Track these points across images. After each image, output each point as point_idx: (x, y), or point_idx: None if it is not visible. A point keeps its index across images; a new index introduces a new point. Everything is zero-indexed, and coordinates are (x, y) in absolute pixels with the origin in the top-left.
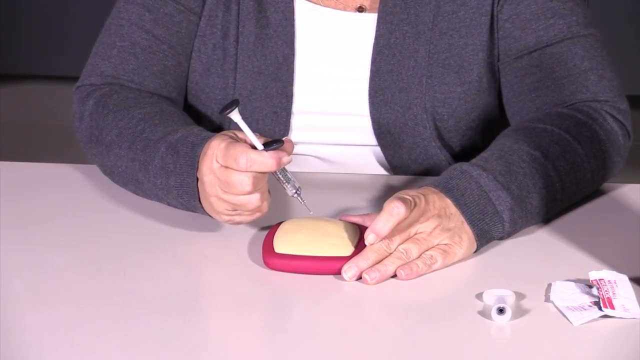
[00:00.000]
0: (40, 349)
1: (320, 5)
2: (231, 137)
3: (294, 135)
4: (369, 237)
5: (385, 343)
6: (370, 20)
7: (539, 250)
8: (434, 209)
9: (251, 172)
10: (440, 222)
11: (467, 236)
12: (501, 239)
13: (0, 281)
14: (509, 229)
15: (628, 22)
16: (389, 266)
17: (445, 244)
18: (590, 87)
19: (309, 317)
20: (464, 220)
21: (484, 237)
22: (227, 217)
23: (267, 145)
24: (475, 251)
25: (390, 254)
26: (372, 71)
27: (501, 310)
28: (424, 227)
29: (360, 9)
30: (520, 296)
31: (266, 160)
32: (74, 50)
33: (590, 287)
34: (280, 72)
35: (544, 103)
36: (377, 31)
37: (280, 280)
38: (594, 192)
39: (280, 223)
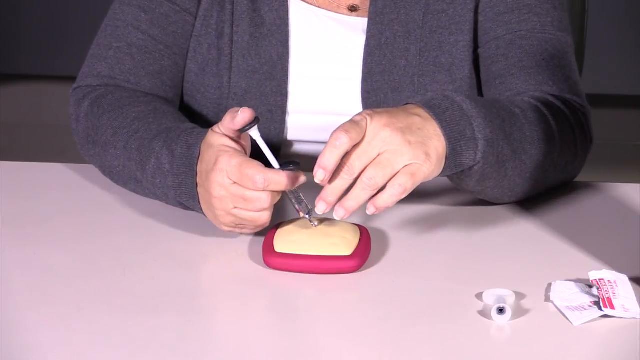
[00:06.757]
0: (40, 349)
1: (314, 5)
2: (235, 149)
3: (290, 134)
4: (317, 174)
5: (385, 343)
6: (362, 21)
7: (539, 250)
8: (397, 121)
9: (268, 191)
10: (403, 135)
11: (435, 154)
12: (462, 172)
13: (0, 281)
14: (480, 158)
15: (628, 22)
16: (361, 195)
17: (410, 164)
18: (557, 82)
19: (309, 316)
20: (441, 134)
21: (453, 160)
22: (228, 228)
23: (282, 166)
24: (441, 174)
25: (358, 182)
26: (363, 72)
27: (501, 310)
28: (388, 141)
29: (353, 9)
30: (520, 296)
31: (283, 180)
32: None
33: (590, 287)
34: (275, 71)
35: (507, 90)
36: (367, 32)
37: (280, 280)
38: (594, 192)
39: (280, 223)
